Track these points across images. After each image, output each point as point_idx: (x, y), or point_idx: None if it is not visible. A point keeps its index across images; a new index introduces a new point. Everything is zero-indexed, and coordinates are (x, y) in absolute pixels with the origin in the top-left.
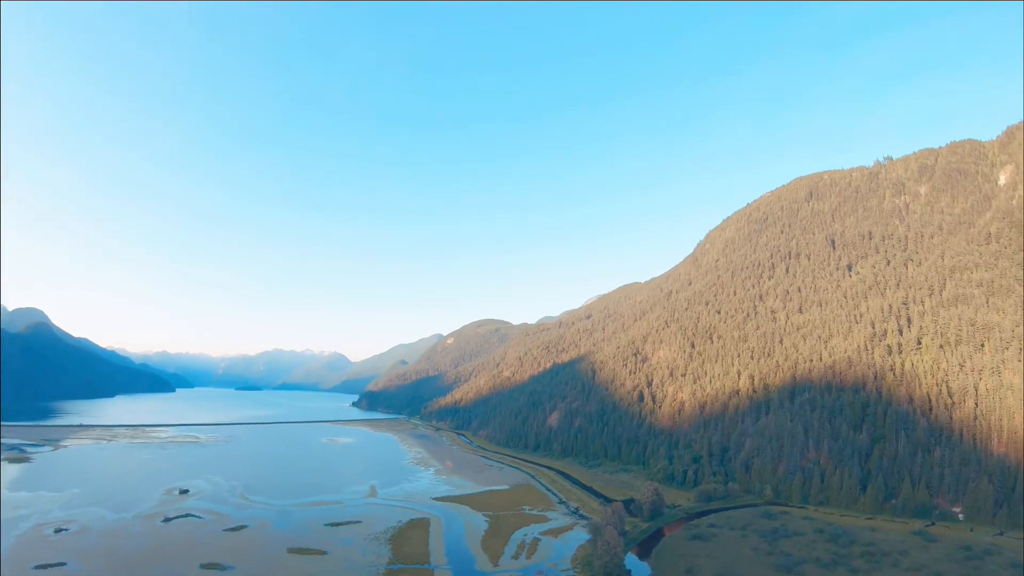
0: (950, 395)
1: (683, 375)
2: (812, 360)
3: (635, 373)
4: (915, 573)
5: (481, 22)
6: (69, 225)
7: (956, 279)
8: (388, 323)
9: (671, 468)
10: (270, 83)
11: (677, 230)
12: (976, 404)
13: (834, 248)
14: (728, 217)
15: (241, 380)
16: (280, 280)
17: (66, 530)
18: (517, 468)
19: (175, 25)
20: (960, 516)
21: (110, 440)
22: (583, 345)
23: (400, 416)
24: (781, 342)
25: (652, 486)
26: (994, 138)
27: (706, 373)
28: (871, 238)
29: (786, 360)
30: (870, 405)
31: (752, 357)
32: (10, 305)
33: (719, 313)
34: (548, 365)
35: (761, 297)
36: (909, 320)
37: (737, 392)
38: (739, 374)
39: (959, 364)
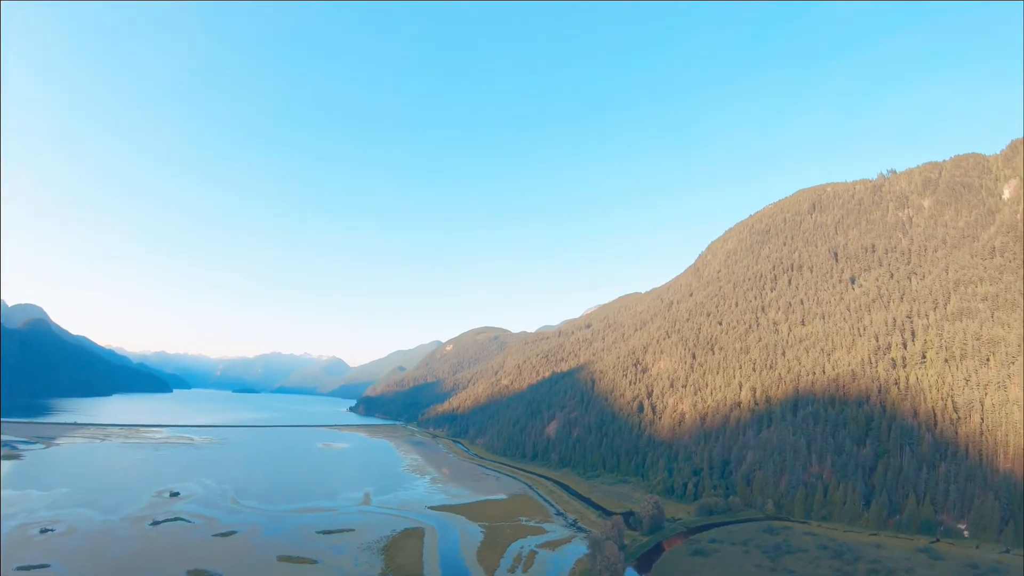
0: (955, 410)
1: (684, 386)
2: (815, 373)
3: (635, 383)
4: None
5: (484, 29)
6: (69, 223)
7: (960, 293)
8: (387, 329)
9: (671, 480)
10: (271, 83)
11: (678, 240)
12: (982, 419)
13: (837, 261)
14: (730, 228)
15: (239, 382)
16: (280, 283)
17: (52, 531)
18: (514, 478)
19: (175, 25)
20: (965, 533)
21: (103, 439)
22: (582, 354)
23: (397, 422)
24: (783, 354)
25: (652, 499)
26: (998, 152)
27: (707, 384)
28: (874, 251)
29: (788, 373)
30: (874, 419)
31: (754, 369)
32: (9, 301)
33: (721, 324)
34: (547, 374)
35: (763, 309)
36: (913, 334)
37: (739, 404)
38: (741, 386)
39: (964, 378)
